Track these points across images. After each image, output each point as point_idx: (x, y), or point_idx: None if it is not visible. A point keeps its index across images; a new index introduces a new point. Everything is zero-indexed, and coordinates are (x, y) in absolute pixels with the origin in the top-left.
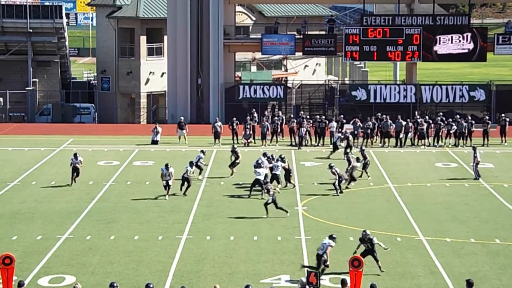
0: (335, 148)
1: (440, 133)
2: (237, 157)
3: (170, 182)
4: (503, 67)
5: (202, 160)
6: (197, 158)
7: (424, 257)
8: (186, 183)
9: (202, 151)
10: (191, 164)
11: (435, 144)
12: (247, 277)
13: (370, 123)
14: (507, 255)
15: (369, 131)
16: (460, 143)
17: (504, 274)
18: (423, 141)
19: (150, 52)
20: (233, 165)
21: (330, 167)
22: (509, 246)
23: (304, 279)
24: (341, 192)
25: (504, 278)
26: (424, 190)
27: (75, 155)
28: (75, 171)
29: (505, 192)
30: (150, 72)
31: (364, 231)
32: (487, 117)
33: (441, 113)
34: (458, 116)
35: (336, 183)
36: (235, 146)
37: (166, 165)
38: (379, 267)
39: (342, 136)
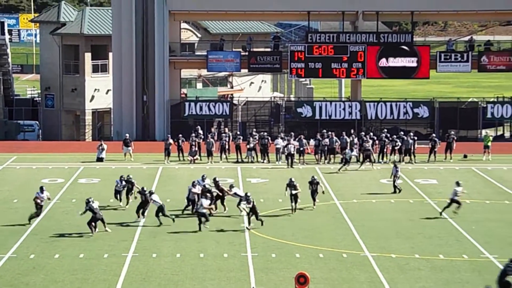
0: (346, 161)
1: (385, 150)
2: (131, 187)
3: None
4: (445, 84)
5: (119, 185)
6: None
7: (369, 273)
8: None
9: (121, 177)
10: (193, 184)
11: (380, 160)
12: None
13: (327, 140)
14: (450, 270)
15: (326, 148)
16: (406, 159)
17: None
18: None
19: (95, 69)
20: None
21: (231, 186)
22: (453, 261)
23: None
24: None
25: None
26: (369, 206)
27: (41, 188)
28: (38, 208)
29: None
30: (95, 89)
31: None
32: (434, 135)
33: (385, 130)
34: (402, 133)
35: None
36: (130, 176)
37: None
38: None
39: (353, 152)
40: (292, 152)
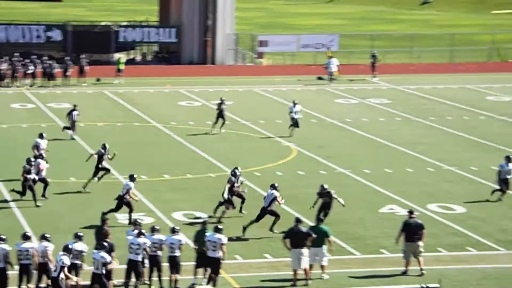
0: None
1: (17, 74)
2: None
3: None
4: (80, 8)
5: None
6: None
7: None
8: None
9: None
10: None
11: (11, 85)
12: None
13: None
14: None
15: None
16: (51, 83)
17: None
18: (0, 82)
19: None
20: None
21: None
22: (82, 183)
23: None
24: None
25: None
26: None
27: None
28: None
29: (82, 132)
30: None
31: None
32: (68, 58)
33: (17, 54)
34: (35, 57)
35: None
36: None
37: None
38: None
39: None
40: None
